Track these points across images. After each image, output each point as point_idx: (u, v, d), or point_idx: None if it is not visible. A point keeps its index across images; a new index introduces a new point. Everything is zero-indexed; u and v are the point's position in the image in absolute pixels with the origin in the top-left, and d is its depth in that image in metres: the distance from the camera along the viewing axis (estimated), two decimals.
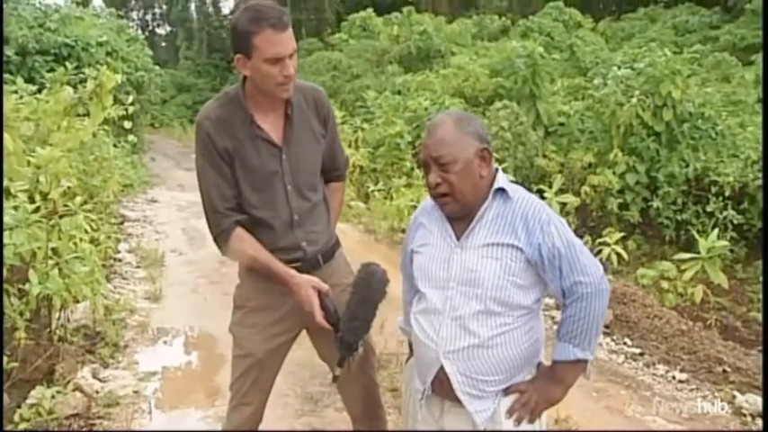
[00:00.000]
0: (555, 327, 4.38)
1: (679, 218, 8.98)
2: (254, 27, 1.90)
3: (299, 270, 2.09)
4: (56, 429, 3.13)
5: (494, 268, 1.69)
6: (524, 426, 1.73)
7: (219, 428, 2.43)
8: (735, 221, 8.48)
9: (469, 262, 1.72)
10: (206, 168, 2.08)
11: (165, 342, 4.67)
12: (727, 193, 8.59)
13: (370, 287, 1.95)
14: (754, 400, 3.62)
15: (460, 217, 1.77)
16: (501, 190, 1.75)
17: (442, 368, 1.74)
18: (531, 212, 1.70)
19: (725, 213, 8.52)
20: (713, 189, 8.73)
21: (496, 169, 1.80)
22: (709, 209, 8.71)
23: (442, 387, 1.76)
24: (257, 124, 2.07)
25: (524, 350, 1.74)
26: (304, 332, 2.29)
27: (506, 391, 1.75)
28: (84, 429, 3.26)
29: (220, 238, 2.11)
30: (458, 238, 1.77)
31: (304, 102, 2.14)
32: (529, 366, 1.79)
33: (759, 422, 3.47)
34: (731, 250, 8.00)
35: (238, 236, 2.09)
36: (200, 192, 2.12)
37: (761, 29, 16.89)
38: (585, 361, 1.71)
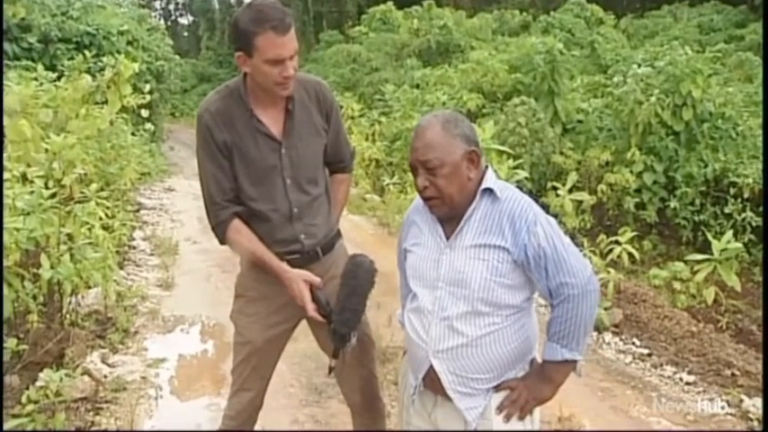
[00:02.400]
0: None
1: (696, 219, 8.87)
2: (256, 28, 1.90)
3: (298, 262, 2.11)
4: (62, 415, 3.17)
5: (481, 269, 1.69)
6: (514, 423, 1.73)
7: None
8: (753, 223, 8.36)
9: (457, 263, 1.73)
10: (205, 160, 2.11)
11: (175, 329, 4.72)
12: (746, 195, 8.46)
13: (357, 278, 1.96)
14: (761, 404, 3.58)
15: (450, 217, 1.77)
16: (489, 190, 1.74)
17: (432, 366, 1.75)
18: (517, 212, 1.69)
19: (743, 215, 8.40)
20: (732, 190, 8.60)
21: (486, 167, 1.79)
22: (727, 210, 8.60)
23: (433, 384, 1.78)
24: (257, 118, 2.07)
25: (514, 348, 1.74)
26: None
27: (497, 388, 1.75)
28: (91, 414, 3.31)
29: (218, 229, 2.14)
30: (447, 238, 1.77)
31: (306, 95, 2.14)
32: (521, 363, 1.79)
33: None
34: (749, 252, 7.90)
35: (235, 228, 2.11)
36: (200, 182, 2.15)
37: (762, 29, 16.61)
38: (574, 361, 1.71)
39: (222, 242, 2.16)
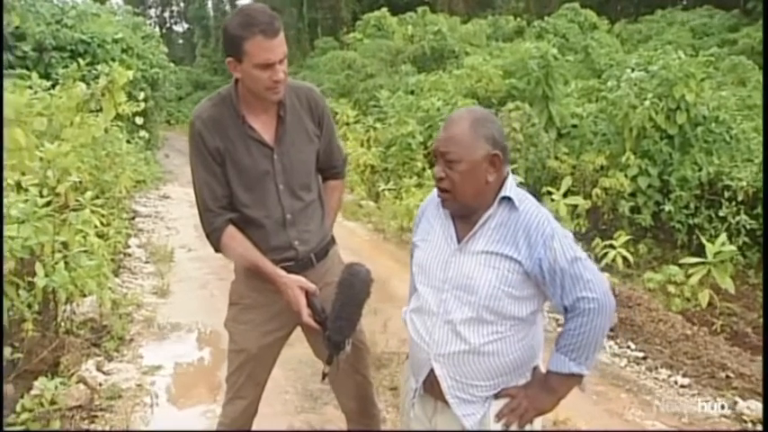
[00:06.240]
0: (558, 329, 4.39)
1: (691, 222, 8.90)
2: (245, 32, 1.91)
3: (292, 269, 2.11)
4: (57, 423, 3.16)
5: (490, 277, 1.66)
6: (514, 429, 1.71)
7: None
8: (747, 226, 8.39)
9: (466, 267, 1.70)
10: (198, 167, 2.11)
11: (170, 337, 4.71)
12: (740, 198, 8.50)
13: (353, 287, 1.96)
14: (755, 407, 3.59)
15: (464, 218, 1.74)
16: (507, 199, 1.70)
17: (432, 370, 1.73)
18: (534, 225, 1.66)
19: (738, 218, 8.44)
20: (726, 194, 8.64)
21: (507, 174, 1.75)
22: (721, 213, 8.63)
23: (432, 388, 1.76)
24: (249, 124, 2.08)
25: (517, 357, 1.72)
26: None
27: (497, 395, 1.73)
28: (86, 422, 3.30)
29: (212, 236, 2.14)
30: (459, 241, 1.74)
31: (297, 102, 2.14)
32: (523, 371, 1.76)
33: (760, 429, 3.44)
34: (744, 255, 7.93)
35: (229, 234, 2.11)
36: (194, 190, 2.15)
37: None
38: (581, 375, 1.68)
39: (217, 249, 2.16)
